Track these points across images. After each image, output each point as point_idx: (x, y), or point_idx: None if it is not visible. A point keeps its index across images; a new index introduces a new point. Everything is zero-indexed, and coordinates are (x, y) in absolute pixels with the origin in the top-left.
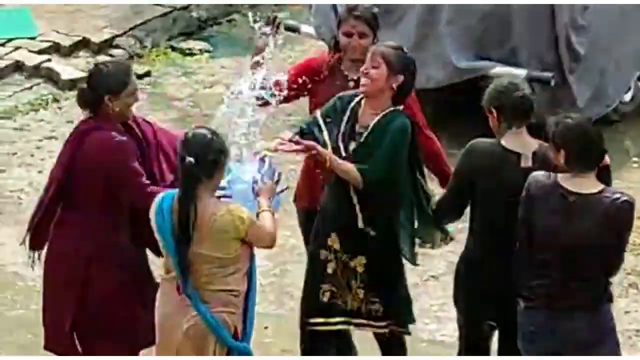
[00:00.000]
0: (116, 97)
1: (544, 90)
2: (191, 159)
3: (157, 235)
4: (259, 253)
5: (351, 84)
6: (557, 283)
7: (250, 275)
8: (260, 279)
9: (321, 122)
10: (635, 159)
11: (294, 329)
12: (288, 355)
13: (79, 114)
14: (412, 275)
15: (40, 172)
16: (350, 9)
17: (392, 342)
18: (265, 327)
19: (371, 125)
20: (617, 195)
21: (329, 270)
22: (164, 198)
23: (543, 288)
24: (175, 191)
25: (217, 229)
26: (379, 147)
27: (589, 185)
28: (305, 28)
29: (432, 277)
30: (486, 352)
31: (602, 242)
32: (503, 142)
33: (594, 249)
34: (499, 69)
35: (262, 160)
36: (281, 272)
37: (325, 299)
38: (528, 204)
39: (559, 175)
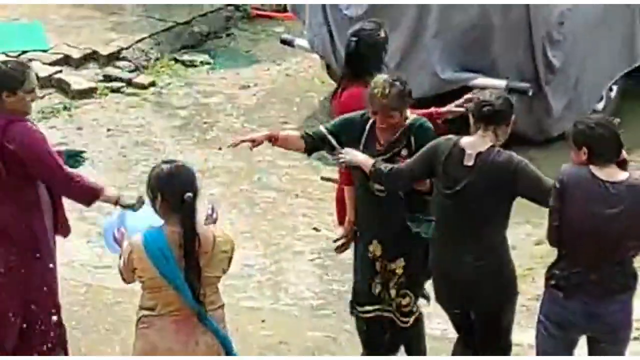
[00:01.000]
0: (13, 94)
1: (522, 100)
2: (190, 194)
3: (157, 277)
4: (257, 251)
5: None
6: (593, 269)
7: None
8: (258, 275)
9: (334, 141)
10: None
11: (290, 322)
12: (286, 346)
13: (88, 121)
14: None
15: None
16: None
17: (413, 333)
18: (263, 321)
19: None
20: None
21: (377, 268)
22: (148, 241)
23: (578, 275)
24: (156, 230)
25: (219, 250)
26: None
27: (617, 173)
28: (300, 41)
29: None
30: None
31: (637, 224)
32: (461, 141)
33: (630, 231)
34: (480, 80)
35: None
36: (277, 269)
37: (376, 291)
38: (562, 193)
39: (590, 166)
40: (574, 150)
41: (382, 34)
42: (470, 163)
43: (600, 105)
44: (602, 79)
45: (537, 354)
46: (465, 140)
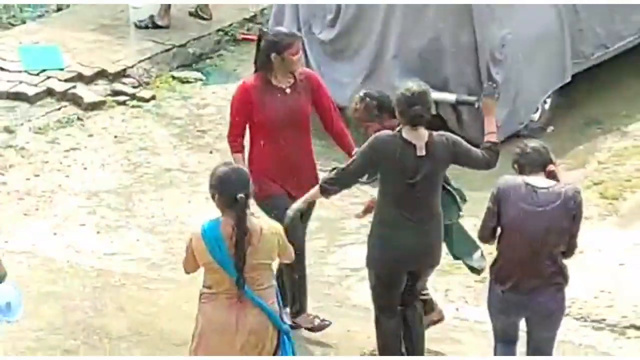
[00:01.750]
0: None
1: (470, 111)
2: (242, 195)
3: (212, 261)
4: None
5: (288, 90)
6: (525, 264)
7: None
8: None
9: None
10: None
11: None
12: None
13: (98, 129)
14: None
15: (67, 176)
16: (295, 35)
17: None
18: None
19: None
20: (572, 190)
21: None
22: (206, 231)
23: (513, 271)
24: (213, 221)
25: (266, 241)
26: None
27: (545, 181)
28: None
29: None
30: (397, 314)
31: (562, 225)
32: (403, 134)
33: (556, 231)
34: (434, 94)
35: None
36: None
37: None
38: (499, 199)
39: (525, 177)
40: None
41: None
42: (423, 153)
43: (535, 116)
44: (538, 94)
45: (491, 322)
46: (407, 135)
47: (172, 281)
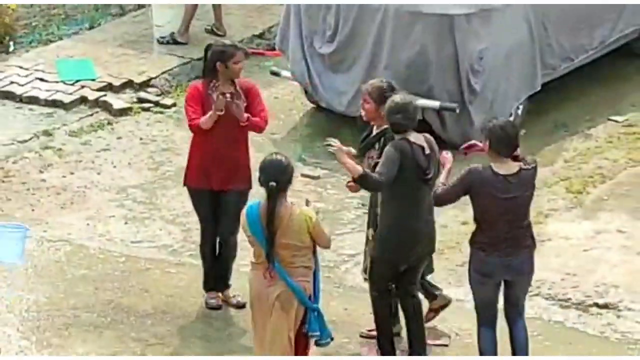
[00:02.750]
0: None
1: (452, 116)
2: (273, 183)
3: (252, 236)
4: None
5: (227, 95)
6: (504, 234)
7: (316, 260)
8: None
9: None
10: None
11: None
12: None
13: (125, 133)
14: None
15: (98, 173)
16: (238, 47)
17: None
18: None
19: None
20: (530, 165)
21: None
22: (249, 212)
23: (494, 240)
24: (256, 202)
25: (295, 224)
26: None
27: (512, 167)
28: (285, 72)
29: None
30: (391, 294)
31: (526, 202)
32: (411, 139)
33: (522, 207)
34: (420, 101)
35: None
36: None
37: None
38: (468, 185)
39: (491, 164)
40: (484, 140)
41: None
42: (428, 152)
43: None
44: (511, 100)
45: (474, 297)
46: (413, 139)
47: (191, 266)
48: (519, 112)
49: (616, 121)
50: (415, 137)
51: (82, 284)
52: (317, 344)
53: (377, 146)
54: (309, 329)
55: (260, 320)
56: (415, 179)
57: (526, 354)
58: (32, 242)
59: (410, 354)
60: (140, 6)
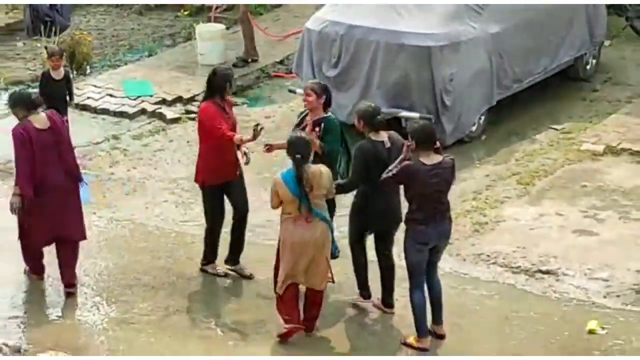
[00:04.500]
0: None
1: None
2: (299, 156)
3: (290, 195)
4: (274, 213)
5: (227, 110)
6: (433, 209)
7: None
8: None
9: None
10: (477, 162)
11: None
12: None
13: (176, 137)
14: None
15: (155, 168)
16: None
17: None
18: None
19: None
20: (449, 160)
21: None
22: (286, 178)
23: (427, 214)
24: (288, 171)
25: (325, 178)
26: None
27: (435, 158)
28: (299, 90)
29: None
30: (364, 247)
31: (448, 185)
32: (374, 138)
33: (446, 189)
34: (404, 113)
35: None
36: None
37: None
38: (406, 175)
39: (419, 158)
40: (409, 139)
41: None
42: (389, 145)
43: (474, 128)
44: (474, 113)
45: (410, 263)
46: (375, 138)
47: (225, 240)
48: (481, 122)
49: (555, 129)
50: (379, 135)
51: (141, 254)
52: (332, 256)
53: (317, 129)
54: (333, 250)
55: (301, 258)
56: (378, 168)
57: (441, 301)
58: (103, 221)
59: (382, 286)
60: (188, 39)
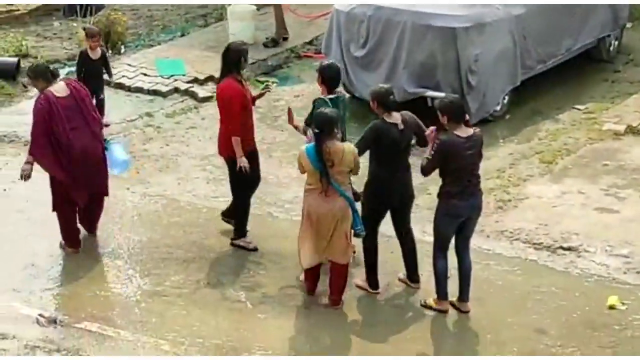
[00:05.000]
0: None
1: None
2: (317, 130)
3: (312, 168)
4: (300, 188)
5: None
6: (467, 182)
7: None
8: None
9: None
10: (501, 141)
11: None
12: None
13: (208, 114)
14: None
15: (187, 145)
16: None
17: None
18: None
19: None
20: (479, 133)
21: None
22: (309, 152)
23: (460, 187)
24: (312, 145)
25: (347, 155)
26: None
27: (467, 131)
28: None
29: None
30: (376, 235)
31: (480, 157)
32: (387, 119)
33: (478, 161)
34: (430, 92)
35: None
36: None
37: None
38: (443, 152)
39: (454, 132)
40: (440, 116)
41: None
42: (402, 127)
43: (498, 108)
44: (498, 93)
45: (439, 235)
46: (388, 119)
47: (255, 215)
48: (505, 101)
49: (578, 109)
50: (393, 117)
51: (174, 228)
52: (356, 235)
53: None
54: (355, 227)
55: (321, 229)
56: (389, 148)
57: (470, 277)
58: (136, 197)
59: (406, 263)
60: (219, 19)
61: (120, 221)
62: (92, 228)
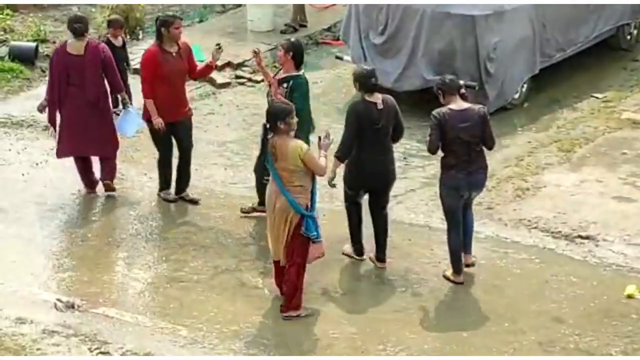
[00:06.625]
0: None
1: (472, 92)
2: (266, 123)
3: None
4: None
5: (174, 53)
6: (467, 156)
7: (313, 182)
8: (320, 188)
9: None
10: (519, 129)
11: (339, 217)
12: (338, 231)
13: (226, 101)
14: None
15: (205, 131)
16: (176, 16)
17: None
18: (324, 215)
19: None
20: (479, 108)
21: None
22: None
23: (460, 161)
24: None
25: (290, 152)
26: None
27: (462, 104)
28: (346, 57)
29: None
30: (360, 207)
31: (480, 132)
32: (368, 98)
33: (478, 135)
34: None
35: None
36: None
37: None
38: (440, 124)
39: (448, 106)
40: (439, 95)
41: None
42: (381, 107)
43: (516, 96)
44: (517, 80)
45: (443, 206)
46: (369, 99)
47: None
48: (523, 89)
49: (597, 97)
50: (373, 97)
51: (191, 214)
52: (313, 242)
53: (285, 85)
54: (304, 230)
55: (269, 219)
56: (368, 128)
57: (472, 232)
58: (154, 182)
59: (376, 242)
60: (238, 5)
61: (139, 207)
62: (104, 178)
